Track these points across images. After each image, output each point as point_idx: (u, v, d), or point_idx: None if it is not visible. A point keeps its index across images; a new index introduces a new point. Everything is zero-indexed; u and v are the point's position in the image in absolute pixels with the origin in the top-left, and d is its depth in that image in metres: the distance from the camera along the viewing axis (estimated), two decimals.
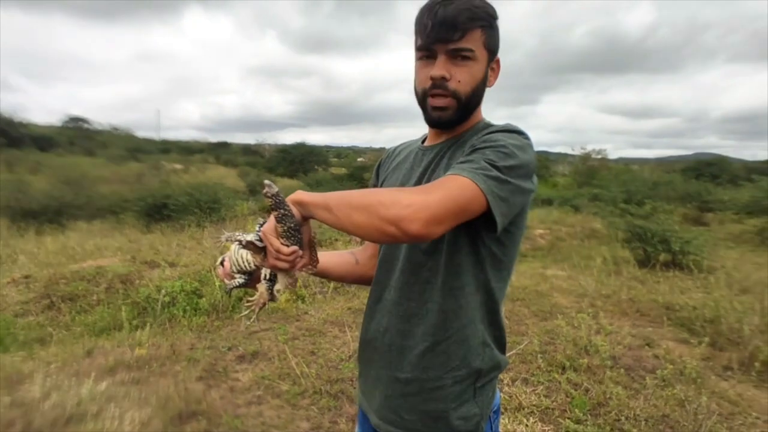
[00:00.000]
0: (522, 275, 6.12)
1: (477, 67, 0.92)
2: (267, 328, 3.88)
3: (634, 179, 16.65)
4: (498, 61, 0.98)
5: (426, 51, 0.92)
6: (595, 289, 5.25)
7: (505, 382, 2.97)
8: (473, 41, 0.89)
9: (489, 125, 0.98)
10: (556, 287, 5.46)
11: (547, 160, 35.03)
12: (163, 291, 4.20)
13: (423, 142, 1.09)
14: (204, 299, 4.28)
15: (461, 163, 0.84)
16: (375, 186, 1.16)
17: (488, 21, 0.91)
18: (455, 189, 0.78)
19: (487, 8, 0.91)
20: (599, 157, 27.67)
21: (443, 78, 0.90)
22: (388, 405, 1.00)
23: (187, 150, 42.09)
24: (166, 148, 41.14)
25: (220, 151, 45.03)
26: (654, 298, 4.78)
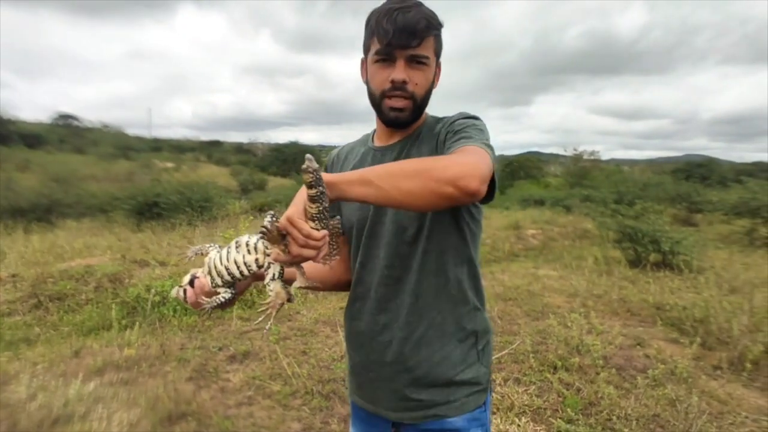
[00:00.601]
0: (514, 275, 6.14)
1: (430, 71, 0.99)
2: (258, 328, 3.85)
3: (624, 180, 16.81)
4: (440, 65, 1.04)
5: (385, 55, 0.96)
6: (587, 289, 5.28)
7: (498, 382, 2.97)
8: (428, 48, 0.96)
9: (439, 118, 1.05)
10: (548, 287, 5.48)
11: (539, 160, 35.16)
12: (153, 290, 4.15)
13: (372, 142, 1.12)
14: None
15: (459, 140, 0.90)
16: None
17: (438, 29, 0.98)
18: (482, 154, 0.84)
19: (436, 17, 0.97)
20: (591, 158, 27.87)
21: (404, 81, 0.96)
22: (402, 395, 1.02)
23: (178, 148, 41.77)
24: (158, 146, 40.81)
25: (212, 150, 44.79)
26: (645, 298, 4.81)
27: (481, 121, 0.98)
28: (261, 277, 0.89)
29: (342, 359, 3.23)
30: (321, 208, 0.77)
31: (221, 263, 0.87)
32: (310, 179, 0.74)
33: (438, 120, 1.04)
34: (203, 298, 0.91)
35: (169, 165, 26.76)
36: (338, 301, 4.61)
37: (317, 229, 0.77)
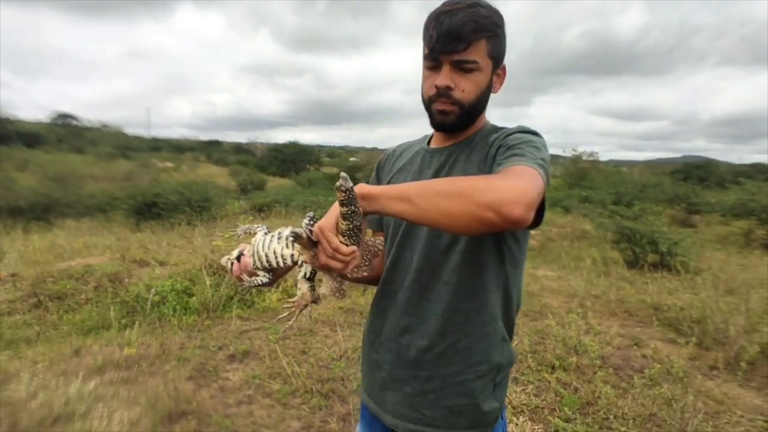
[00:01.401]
0: None
1: (481, 76, 0.94)
2: (258, 328, 3.87)
3: (623, 181, 16.85)
4: (504, 68, 1.00)
5: (432, 61, 0.93)
6: (585, 289, 5.30)
7: None
8: (477, 52, 0.91)
9: (498, 127, 1.00)
10: (546, 288, 5.50)
11: None
12: (152, 290, 4.16)
13: (428, 143, 1.09)
14: (194, 298, 4.25)
15: (511, 157, 0.84)
16: None
17: (493, 31, 0.92)
18: (534, 177, 0.77)
19: (494, 18, 0.92)
20: (590, 159, 27.92)
21: (448, 87, 0.92)
22: (407, 403, 1.00)
23: (177, 148, 41.77)
24: (157, 146, 40.81)
25: (211, 150, 44.78)
26: (642, 299, 4.84)
27: (541, 137, 0.92)
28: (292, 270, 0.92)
29: (341, 358, 3.25)
30: (351, 226, 0.77)
31: (263, 249, 0.90)
32: (343, 197, 0.74)
33: (495, 129, 0.99)
34: (245, 276, 0.95)
35: (169, 165, 26.77)
36: (337, 302, 4.63)
37: (346, 245, 0.78)
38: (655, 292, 5.11)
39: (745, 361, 3.18)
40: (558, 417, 2.58)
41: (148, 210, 9.16)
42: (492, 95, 1.00)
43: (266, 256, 0.89)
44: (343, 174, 0.74)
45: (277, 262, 0.89)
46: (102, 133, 36.53)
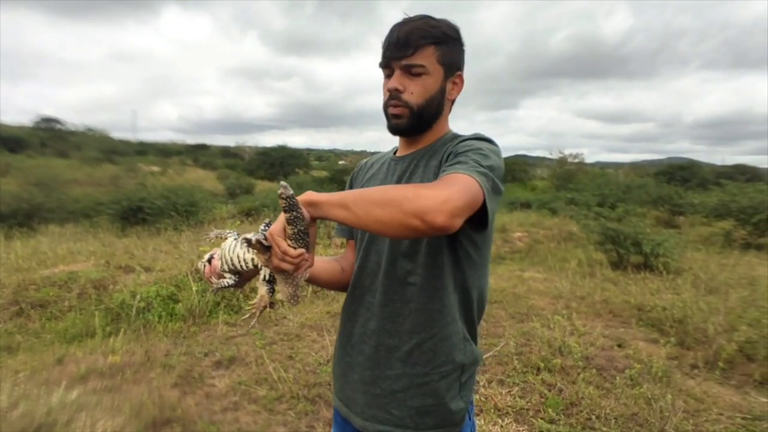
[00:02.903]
0: (500, 278, 6.21)
1: (430, 80, 0.99)
2: (244, 333, 3.85)
3: (608, 183, 17.08)
4: (460, 76, 1.05)
5: (386, 68, 1.02)
6: (570, 290, 5.37)
7: (481, 383, 3.02)
8: (425, 57, 0.97)
9: (457, 135, 1.05)
10: (533, 289, 5.56)
11: (525, 164, 35.55)
12: (138, 296, 4.13)
13: (395, 153, 1.15)
14: (180, 304, 4.22)
15: (454, 164, 0.88)
16: None
17: (441, 38, 0.98)
18: (465, 185, 0.81)
19: (443, 28, 0.99)
20: (576, 161, 28.26)
21: (396, 90, 0.99)
22: (376, 404, 1.03)
23: (164, 152, 41.30)
24: (143, 149, 40.31)
25: (198, 153, 44.36)
26: (626, 299, 4.91)
27: (493, 145, 0.96)
28: (257, 273, 0.97)
29: (328, 363, 3.25)
30: (296, 230, 0.83)
31: (228, 253, 0.96)
32: (284, 204, 0.81)
33: (455, 137, 1.04)
34: (213, 278, 1.01)
35: (155, 169, 26.48)
36: (324, 306, 4.63)
37: (294, 247, 0.83)
38: (639, 292, 5.19)
39: (724, 360, 3.24)
40: (542, 418, 2.62)
41: (134, 215, 9.05)
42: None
43: (231, 259, 0.95)
44: (282, 183, 0.81)
45: (241, 266, 0.95)
46: (87, 137, 36.01)
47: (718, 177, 20.55)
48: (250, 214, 10.70)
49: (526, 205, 16.18)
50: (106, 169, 22.64)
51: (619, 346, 3.70)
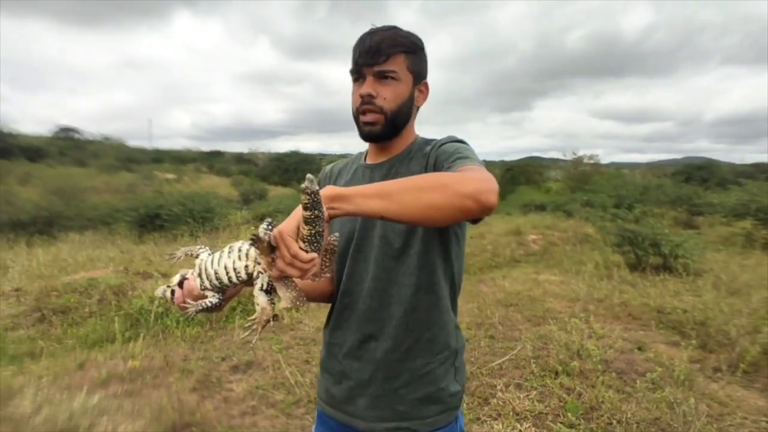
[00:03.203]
0: (515, 281, 6.16)
1: (401, 86, 1.03)
2: (261, 338, 3.88)
3: (624, 184, 16.84)
4: (426, 84, 1.10)
5: (357, 75, 1.04)
6: (588, 293, 5.30)
7: (499, 387, 2.99)
8: (396, 64, 1.01)
9: (429, 140, 1.10)
10: (549, 292, 5.50)
11: (540, 165, 35.29)
12: (156, 302, 4.18)
13: (364, 160, 1.16)
14: None
15: (456, 160, 0.93)
16: None
17: (410, 48, 1.03)
18: (487, 173, 0.86)
19: (411, 38, 1.03)
20: (591, 162, 27.95)
21: (370, 95, 1.01)
22: (379, 404, 1.04)
23: (179, 159, 41.92)
24: (159, 157, 40.95)
25: (213, 160, 44.94)
26: (645, 302, 4.83)
27: (470, 145, 1.02)
28: (250, 285, 0.87)
29: None
30: (313, 231, 0.73)
31: (212, 266, 0.85)
32: (307, 201, 0.71)
33: (427, 141, 1.09)
34: (189, 300, 0.89)
35: (171, 176, 26.88)
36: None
37: (306, 251, 0.74)
38: (658, 294, 5.10)
39: (747, 363, 3.17)
40: (561, 423, 2.58)
41: (151, 222, 9.18)
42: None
43: (216, 273, 0.84)
44: (309, 175, 0.70)
45: (230, 278, 0.83)
46: (104, 146, 36.71)
47: (738, 176, 20.15)
48: (264, 220, 10.77)
49: (541, 208, 16.05)
50: (123, 177, 23.05)
51: (639, 349, 3.64)
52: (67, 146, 34.34)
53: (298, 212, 0.75)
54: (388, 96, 1.01)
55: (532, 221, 11.46)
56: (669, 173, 25.67)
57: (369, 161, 1.14)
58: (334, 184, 1.18)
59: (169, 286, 0.94)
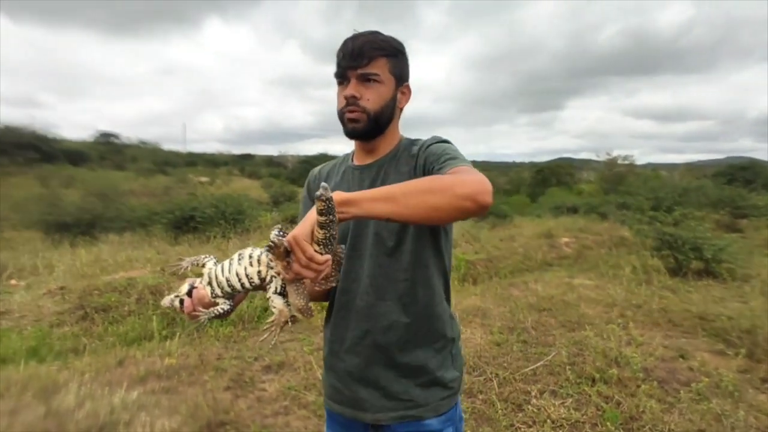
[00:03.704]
0: (548, 285, 6.02)
1: (383, 88, 1.07)
2: (292, 339, 3.91)
3: (662, 185, 16.24)
4: (408, 86, 1.14)
5: (340, 78, 1.08)
6: (625, 298, 5.12)
7: (533, 394, 2.92)
8: (378, 67, 1.05)
9: (414, 140, 1.14)
10: (583, 297, 5.34)
11: (570, 167, 34.48)
12: None
13: (351, 161, 1.20)
14: None
15: (447, 161, 0.98)
16: (308, 208, 1.18)
17: (391, 51, 1.07)
18: (479, 173, 0.91)
19: (392, 42, 1.08)
20: (626, 162, 27.12)
21: (354, 96, 1.05)
22: (383, 395, 1.09)
23: (212, 162, 43.06)
24: (192, 161, 42.16)
25: (244, 163, 45.96)
26: (687, 308, 4.63)
27: (453, 145, 1.08)
28: (262, 289, 0.91)
29: None
30: (328, 235, 0.79)
31: (222, 274, 0.89)
32: (323, 207, 0.76)
33: (413, 142, 1.13)
34: (200, 309, 0.92)
35: (204, 179, 27.62)
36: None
37: (320, 253, 0.80)
38: (701, 300, 4.88)
39: None
40: None
41: (186, 224, 9.42)
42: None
43: (228, 280, 0.88)
44: (323, 184, 0.76)
45: (242, 284, 0.88)
46: (141, 150, 38.02)
47: None
48: (293, 221, 10.94)
49: (573, 210, 15.66)
50: (159, 180, 23.83)
51: (681, 357, 3.49)
52: (107, 150, 35.74)
53: (310, 217, 0.81)
54: (371, 97, 1.06)
55: (564, 224, 11.19)
56: (709, 174, 24.61)
57: (357, 162, 1.18)
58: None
59: (177, 296, 0.96)
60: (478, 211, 0.86)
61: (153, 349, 3.67)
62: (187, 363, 3.41)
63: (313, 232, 0.80)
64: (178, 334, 3.95)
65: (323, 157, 34.11)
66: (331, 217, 0.77)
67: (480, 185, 0.85)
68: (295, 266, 0.81)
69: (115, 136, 41.01)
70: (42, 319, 4.24)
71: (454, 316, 1.18)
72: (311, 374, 3.19)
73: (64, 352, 3.73)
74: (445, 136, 1.10)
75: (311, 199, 1.23)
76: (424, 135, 1.15)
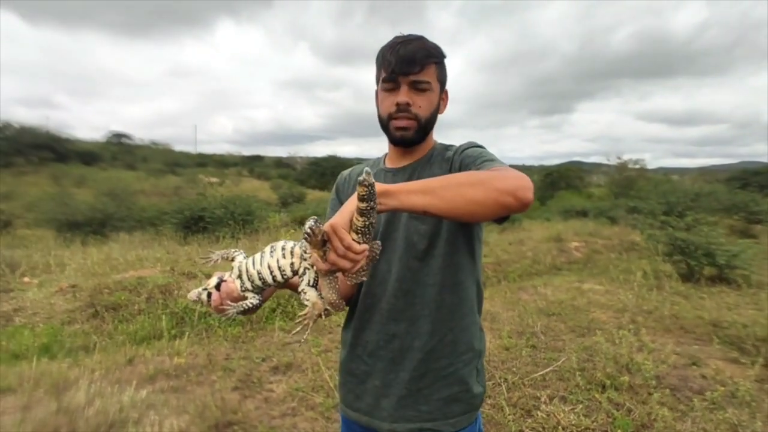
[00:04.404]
0: (557, 289, 5.96)
1: (433, 95, 1.07)
2: (298, 340, 3.91)
3: (674, 190, 16.05)
4: (446, 92, 1.13)
5: (391, 83, 1.06)
6: (636, 304, 5.06)
7: (542, 399, 2.88)
8: (429, 75, 1.05)
9: (447, 145, 1.13)
10: (593, 302, 5.29)
11: (580, 170, 34.22)
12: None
13: (384, 164, 1.19)
14: None
15: (484, 162, 0.97)
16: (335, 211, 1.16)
17: (440, 58, 1.07)
18: (519, 171, 0.88)
19: (439, 48, 1.07)
20: (637, 166, 26.85)
21: (407, 104, 1.04)
22: (403, 404, 1.06)
23: (222, 163, 43.37)
24: (203, 161, 42.50)
25: (253, 165, 46.20)
26: (699, 315, 4.56)
27: (487, 149, 1.06)
28: (291, 285, 0.89)
29: None
30: (367, 223, 0.76)
31: (254, 267, 0.86)
32: (364, 192, 0.73)
33: (447, 147, 1.12)
34: (228, 302, 0.89)
35: (214, 180, 27.83)
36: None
37: (358, 242, 0.77)
38: (714, 307, 4.81)
39: None
40: None
41: (195, 224, 9.48)
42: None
43: (259, 273, 0.86)
44: (367, 169, 0.73)
45: (274, 277, 0.85)
46: (152, 151, 38.44)
47: None
48: (302, 223, 10.95)
49: (582, 213, 15.53)
50: (170, 181, 24.05)
51: (694, 364, 3.43)
52: (118, 151, 36.16)
53: (349, 207, 0.78)
54: (423, 104, 1.05)
55: (574, 227, 11.10)
56: (722, 179, 24.28)
57: (389, 165, 1.17)
58: (352, 189, 1.20)
59: (205, 289, 0.93)
60: (518, 208, 0.82)
61: (162, 348, 3.68)
62: (195, 362, 3.42)
63: (351, 221, 0.77)
64: (187, 333, 3.96)
65: (332, 159, 34.19)
66: (372, 203, 0.74)
67: (521, 181, 0.83)
68: (332, 256, 0.77)
69: (127, 136, 41.50)
70: (54, 316, 4.29)
71: (482, 329, 1.14)
72: (319, 376, 3.19)
73: (75, 350, 3.76)
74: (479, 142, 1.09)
75: (340, 201, 1.22)
76: (434, 137, 1.15)
